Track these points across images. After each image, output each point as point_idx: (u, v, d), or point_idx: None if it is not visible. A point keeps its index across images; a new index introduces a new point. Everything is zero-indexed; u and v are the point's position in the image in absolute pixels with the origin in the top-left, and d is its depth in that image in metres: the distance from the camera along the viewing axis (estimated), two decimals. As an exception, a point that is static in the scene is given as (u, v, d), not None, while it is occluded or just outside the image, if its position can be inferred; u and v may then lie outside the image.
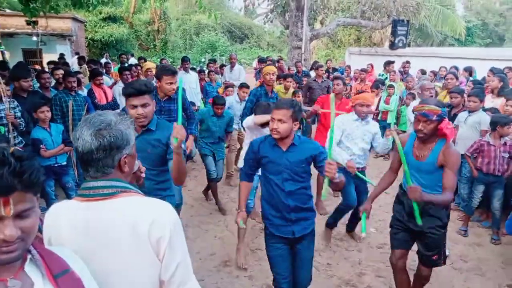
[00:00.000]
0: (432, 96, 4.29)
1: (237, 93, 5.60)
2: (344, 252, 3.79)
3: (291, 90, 6.12)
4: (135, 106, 2.23)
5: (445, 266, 3.49)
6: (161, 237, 1.11)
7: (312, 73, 8.94)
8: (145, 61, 8.74)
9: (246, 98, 4.92)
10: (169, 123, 2.36)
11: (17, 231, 0.85)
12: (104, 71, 7.55)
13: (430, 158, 2.49)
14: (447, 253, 3.62)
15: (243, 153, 3.83)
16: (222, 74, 8.59)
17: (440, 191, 2.51)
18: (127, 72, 5.95)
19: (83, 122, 1.17)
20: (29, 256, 0.95)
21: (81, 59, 9.04)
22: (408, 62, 8.54)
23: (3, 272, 0.89)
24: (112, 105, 5.42)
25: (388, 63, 8.43)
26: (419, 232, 2.60)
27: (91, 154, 1.13)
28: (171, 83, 3.18)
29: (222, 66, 9.31)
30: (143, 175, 1.69)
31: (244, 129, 4.59)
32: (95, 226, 1.13)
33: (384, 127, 6.90)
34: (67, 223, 1.17)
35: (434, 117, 2.37)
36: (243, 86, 5.58)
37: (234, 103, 5.52)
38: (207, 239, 3.98)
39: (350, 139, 3.65)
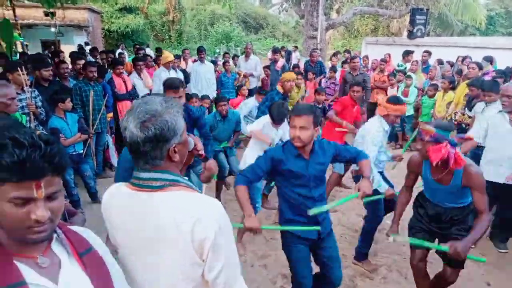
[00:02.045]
0: None
1: (255, 99, 5.59)
2: (360, 243, 3.77)
3: (303, 87, 6.07)
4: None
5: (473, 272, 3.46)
6: (205, 238, 1.05)
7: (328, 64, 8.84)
8: (161, 51, 8.79)
9: (262, 100, 4.79)
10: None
11: (47, 212, 0.89)
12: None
13: (454, 182, 2.40)
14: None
15: (248, 155, 3.71)
16: (235, 64, 8.59)
17: (465, 201, 2.49)
18: (141, 63, 6.01)
19: (129, 112, 1.12)
20: (55, 236, 1.00)
21: (94, 50, 9.11)
22: (426, 51, 8.34)
23: (33, 251, 0.94)
24: (132, 94, 5.49)
25: (407, 53, 8.24)
26: (444, 234, 2.54)
27: (138, 146, 1.09)
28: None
29: (234, 56, 9.26)
30: (202, 152, 1.63)
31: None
32: (141, 217, 1.12)
33: (402, 119, 6.78)
34: (117, 206, 1.19)
35: (427, 138, 2.30)
36: (261, 93, 5.56)
37: (254, 108, 5.46)
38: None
39: (382, 149, 3.40)
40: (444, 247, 2.26)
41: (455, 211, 2.53)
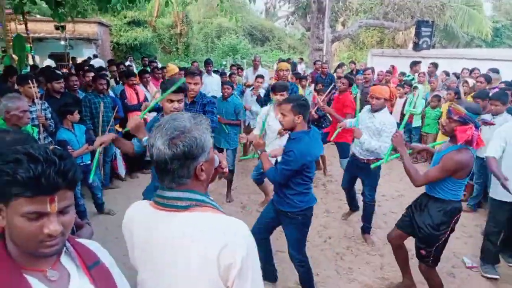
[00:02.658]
0: None
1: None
2: (366, 256, 3.74)
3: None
4: (172, 101, 2.56)
5: (475, 275, 3.43)
6: (232, 264, 1.01)
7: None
8: (154, 62, 8.96)
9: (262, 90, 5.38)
10: None
11: (60, 226, 0.90)
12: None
13: (441, 152, 2.63)
14: (471, 264, 3.56)
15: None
16: (240, 75, 8.64)
17: (437, 193, 2.67)
18: (147, 75, 6.09)
19: (157, 129, 1.09)
20: (64, 248, 1.00)
21: (109, 63, 9.31)
22: (432, 63, 8.35)
23: (42, 264, 0.94)
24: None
25: (415, 63, 8.24)
26: (415, 222, 2.82)
27: (165, 164, 1.06)
28: (189, 83, 3.25)
29: (239, 68, 9.31)
30: (226, 170, 1.60)
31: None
32: (164, 239, 1.09)
33: (409, 130, 6.78)
34: (139, 226, 1.15)
35: (456, 117, 2.49)
36: (259, 76, 5.83)
37: (248, 96, 5.95)
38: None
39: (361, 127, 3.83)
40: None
41: (431, 202, 2.72)
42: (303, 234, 2.82)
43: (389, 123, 3.59)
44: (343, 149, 5.05)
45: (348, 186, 4.23)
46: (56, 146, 0.93)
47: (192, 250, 1.04)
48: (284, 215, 2.74)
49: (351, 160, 4.06)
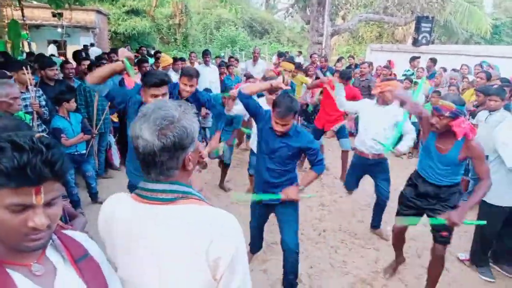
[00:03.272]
0: None
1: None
2: (361, 250, 3.75)
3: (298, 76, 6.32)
4: (156, 96, 2.44)
5: (468, 270, 3.44)
6: (221, 257, 0.98)
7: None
8: (159, 53, 8.88)
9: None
10: None
11: (46, 219, 0.84)
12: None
13: (453, 151, 2.57)
14: (464, 257, 3.57)
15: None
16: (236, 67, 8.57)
17: (455, 179, 2.68)
18: (146, 64, 6.04)
19: (142, 118, 1.01)
20: (49, 241, 0.95)
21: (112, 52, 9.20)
22: (431, 59, 8.32)
23: (27, 258, 0.89)
24: None
25: (414, 59, 8.23)
26: (430, 209, 2.75)
27: (153, 157, 1.00)
28: (185, 84, 3.19)
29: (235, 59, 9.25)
30: (206, 159, 1.55)
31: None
32: (149, 233, 1.03)
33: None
34: (121, 219, 1.09)
35: (447, 113, 2.45)
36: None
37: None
38: (222, 232, 3.99)
39: (365, 124, 3.77)
40: (440, 218, 2.54)
41: (444, 190, 2.71)
42: (298, 213, 2.93)
43: (401, 113, 3.59)
44: (340, 130, 5.13)
45: (354, 187, 4.14)
46: (44, 134, 0.87)
47: (179, 243, 1.00)
48: (282, 203, 2.80)
49: (356, 161, 3.93)
